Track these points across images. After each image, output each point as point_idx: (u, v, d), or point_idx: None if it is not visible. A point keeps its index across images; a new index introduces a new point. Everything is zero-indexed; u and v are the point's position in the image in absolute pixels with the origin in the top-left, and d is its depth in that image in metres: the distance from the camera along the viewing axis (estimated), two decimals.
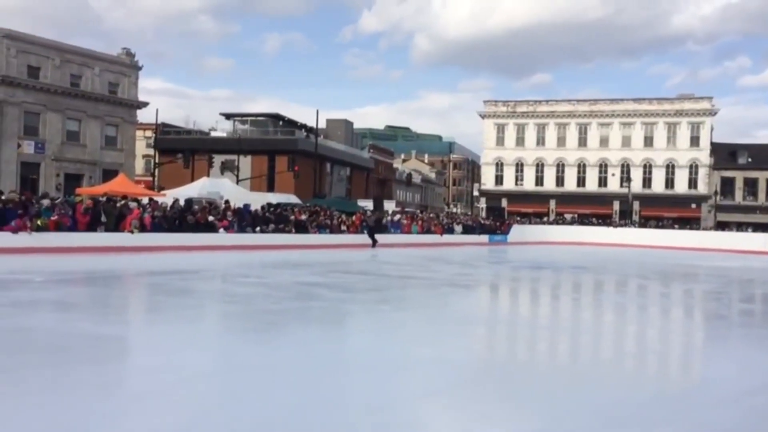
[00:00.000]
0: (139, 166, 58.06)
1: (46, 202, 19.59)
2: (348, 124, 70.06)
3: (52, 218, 19.01)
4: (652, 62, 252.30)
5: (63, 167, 41.34)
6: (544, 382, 5.87)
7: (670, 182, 58.39)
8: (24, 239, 18.05)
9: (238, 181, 43.06)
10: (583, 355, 7.67)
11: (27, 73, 39.40)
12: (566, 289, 15.90)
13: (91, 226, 20.22)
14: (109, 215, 20.88)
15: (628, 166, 58.84)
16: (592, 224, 48.68)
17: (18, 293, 10.70)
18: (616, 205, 58.17)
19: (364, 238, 30.18)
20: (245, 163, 51.53)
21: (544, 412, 4.83)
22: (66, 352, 6.39)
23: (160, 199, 26.52)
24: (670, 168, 58.39)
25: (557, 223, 50.25)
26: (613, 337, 9.09)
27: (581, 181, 60.52)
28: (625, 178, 56.47)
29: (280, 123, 58.91)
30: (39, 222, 18.65)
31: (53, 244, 18.42)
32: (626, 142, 59.55)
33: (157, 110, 47.92)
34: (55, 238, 18.81)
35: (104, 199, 22.58)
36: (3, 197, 19.82)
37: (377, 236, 29.21)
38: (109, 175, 40.00)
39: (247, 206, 27.09)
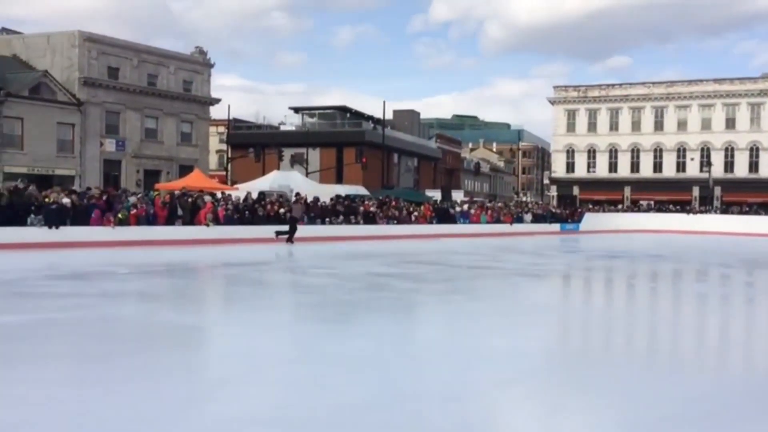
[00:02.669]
0: (213, 161, 59.78)
1: (132, 199, 20.66)
2: (414, 114, 69.90)
3: (132, 212, 19.97)
4: (738, 40, 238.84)
5: (142, 164, 43.04)
6: (622, 373, 5.70)
7: (754, 166, 55.45)
8: (108, 233, 18.96)
9: (307, 174, 43.74)
10: (663, 346, 7.42)
11: (107, 74, 41.18)
12: (643, 278, 15.39)
13: (169, 220, 21.05)
14: (185, 209, 21.66)
15: (708, 149, 56.24)
16: (670, 211, 46.84)
17: (104, 285, 11.25)
18: (696, 191, 55.72)
19: (433, 228, 30.07)
20: (314, 155, 52.26)
21: (623, 404, 4.70)
22: (150, 340, 6.68)
23: (233, 193, 27.27)
24: (754, 151, 55.43)
25: (632, 211, 48.62)
26: (694, 328, 8.74)
27: (658, 167, 58.27)
28: (705, 163, 53.99)
29: (348, 115, 59.39)
30: (120, 215, 19.59)
31: (135, 238, 19.26)
32: (706, 124, 56.89)
33: (228, 106, 49.24)
34: (136, 232, 19.67)
35: (180, 193, 23.40)
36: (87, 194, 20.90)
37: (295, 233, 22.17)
38: (185, 170, 41.39)
39: (316, 198, 27.50)
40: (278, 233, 21.89)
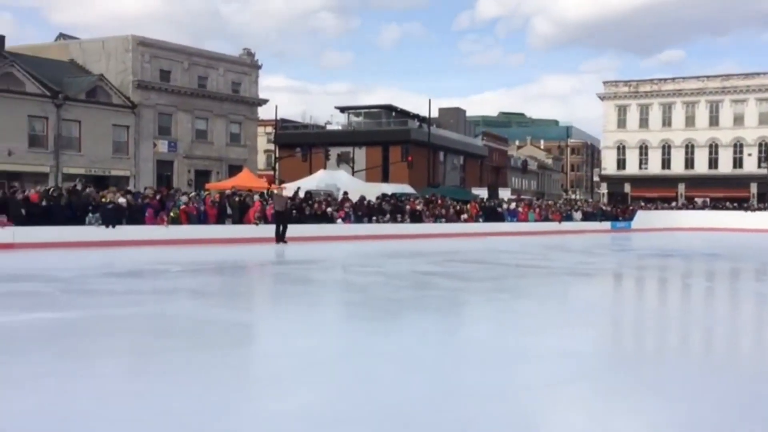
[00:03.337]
0: (261, 160, 60.70)
1: (184, 198, 21.26)
2: (460, 112, 69.50)
3: (181, 207, 20.54)
4: None
5: (193, 164, 44.03)
6: (678, 374, 5.56)
7: None
8: (161, 232, 19.48)
9: (353, 173, 44.00)
10: (719, 347, 7.21)
11: (159, 76, 42.26)
12: (698, 277, 14.97)
13: (219, 219, 21.50)
14: (234, 208, 22.09)
15: (766, 144, 54.27)
16: (726, 209, 45.32)
17: (158, 282, 11.58)
18: (754, 188, 53.83)
19: (480, 226, 29.85)
20: (360, 154, 52.54)
21: (681, 406, 4.59)
22: (202, 336, 6.84)
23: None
24: None
25: (687, 208, 47.29)
26: (752, 328, 8.45)
27: (713, 163, 56.53)
28: (764, 158, 52.13)
29: (393, 114, 59.46)
30: (172, 214, 20.13)
31: (186, 236, 19.73)
32: (764, 119, 54.88)
33: (276, 107, 50.05)
34: (187, 231, 20.16)
35: (230, 192, 23.87)
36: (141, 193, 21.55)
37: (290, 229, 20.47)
38: (234, 170, 42.18)
39: (362, 197, 27.65)
40: (278, 238, 19.89)
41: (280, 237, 20.13)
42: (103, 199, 19.43)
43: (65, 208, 18.67)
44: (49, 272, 12.24)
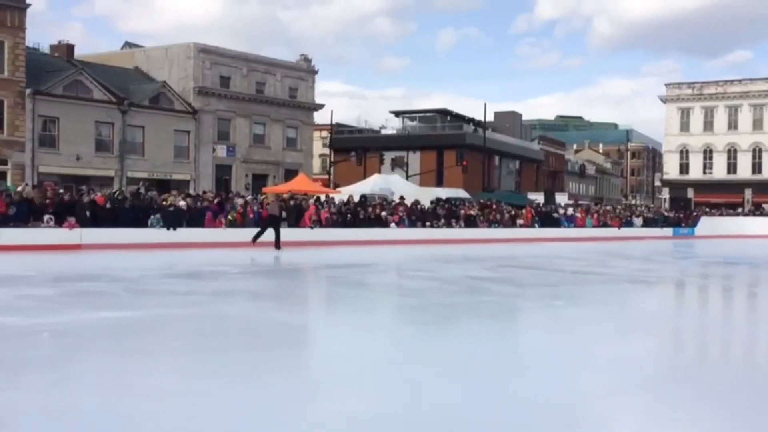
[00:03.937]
0: (317, 165, 61.38)
1: (239, 201, 21.72)
2: (516, 115, 68.66)
3: (238, 210, 21.01)
4: None
5: (251, 168, 44.92)
6: (741, 387, 5.34)
7: None
8: (219, 234, 19.94)
9: (407, 177, 44.02)
10: None
11: (219, 83, 43.32)
12: (764, 287, 14.35)
13: None
14: (289, 212, 22.41)
15: None
16: None
17: (217, 283, 11.85)
18: None
19: (535, 232, 29.39)
20: (414, 159, 52.51)
21: (743, 420, 4.40)
22: (259, 337, 6.97)
23: (336, 196, 27.90)
24: None
25: (754, 215, 45.36)
26: None
27: None
28: None
29: (448, 118, 59.23)
30: (230, 217, 20.60)
31: (244, 239, 20.11)
32: None
33: (331, 111, 50.61)
34: (245, 234, 20.54)
35: (288, 196, 24.23)
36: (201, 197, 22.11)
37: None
38: (290, 174, 42.82)
39: (416, 201, 27.63)
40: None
41: (277, 244, 18.91)
42: (165, 202, 20.04)
43: (129, 210, 19.33)
44: (113, 272, 12.68)
